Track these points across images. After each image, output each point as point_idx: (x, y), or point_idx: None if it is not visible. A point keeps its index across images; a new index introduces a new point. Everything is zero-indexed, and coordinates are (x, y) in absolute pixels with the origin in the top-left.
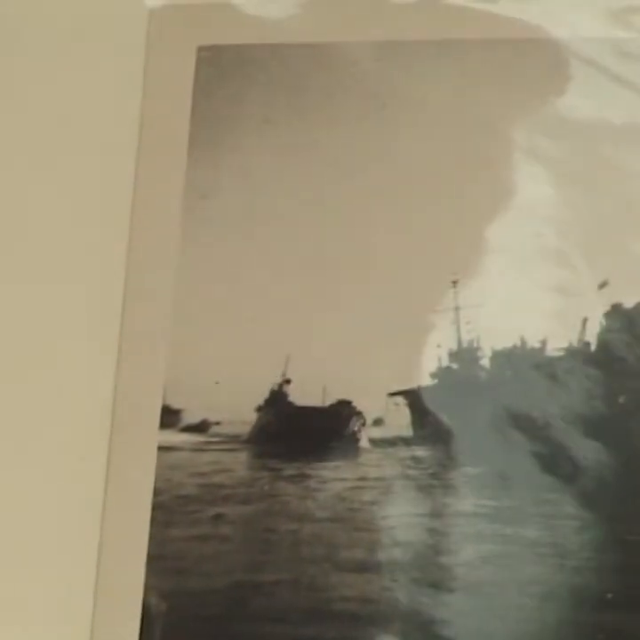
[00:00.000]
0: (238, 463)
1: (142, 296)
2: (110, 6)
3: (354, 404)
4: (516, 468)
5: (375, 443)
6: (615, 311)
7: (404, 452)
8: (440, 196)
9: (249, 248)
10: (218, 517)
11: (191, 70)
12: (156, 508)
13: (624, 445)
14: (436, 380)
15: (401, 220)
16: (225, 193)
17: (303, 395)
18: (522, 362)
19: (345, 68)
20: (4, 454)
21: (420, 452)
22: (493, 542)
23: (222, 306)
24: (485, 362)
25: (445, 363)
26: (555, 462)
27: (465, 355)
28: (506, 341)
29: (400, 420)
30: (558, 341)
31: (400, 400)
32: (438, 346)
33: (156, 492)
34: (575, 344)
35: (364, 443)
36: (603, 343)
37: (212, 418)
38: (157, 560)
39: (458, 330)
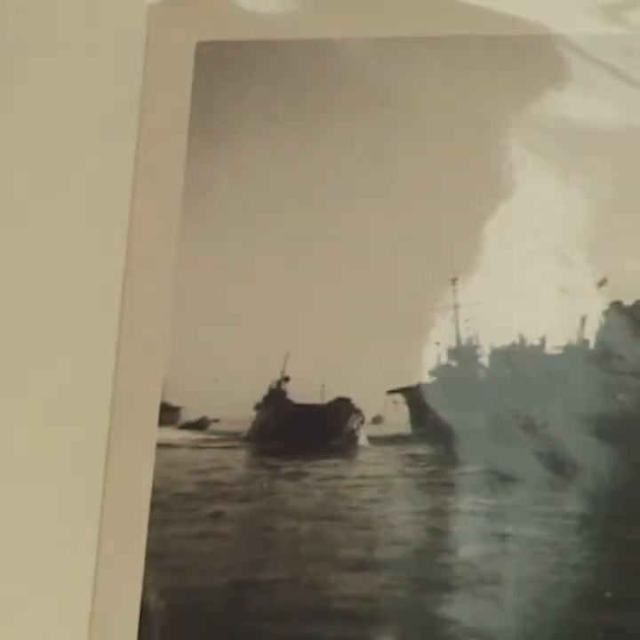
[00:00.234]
0: (237, 461)
1: (141, 293)
2: (109, 2)
3: (353, 401)
4: (516, 466)
5: (374, 440)
6: (614, 309)
7: (402, 449)
8: (439, 193)
9: (248, 245)
10: (216, 515)
11: (190, 66)
12: (155, 505)
13: (623, 443)
14: (434, 378)
15: (400, 218)
16: (224, 189)
17: (302, 392)
18: (521, 360)
19: (344, 64)
20: (1, 454)
21: (419, 449)
22: (492, 541)
23: (221, 303)
24: (484, 359)
25: (444, 360)
26: (554, 460)
27: (464, 352)
28: (505, 339)
29: (399, 418)
30: (557, 339)
31: (399, 398)
32: (437, 343)
33: (155, 490)
34: (574, 342)
35: (362, 440)
36: (602, 341)
37: (211, 415)
38: (156, 558)
39: (457, 327)
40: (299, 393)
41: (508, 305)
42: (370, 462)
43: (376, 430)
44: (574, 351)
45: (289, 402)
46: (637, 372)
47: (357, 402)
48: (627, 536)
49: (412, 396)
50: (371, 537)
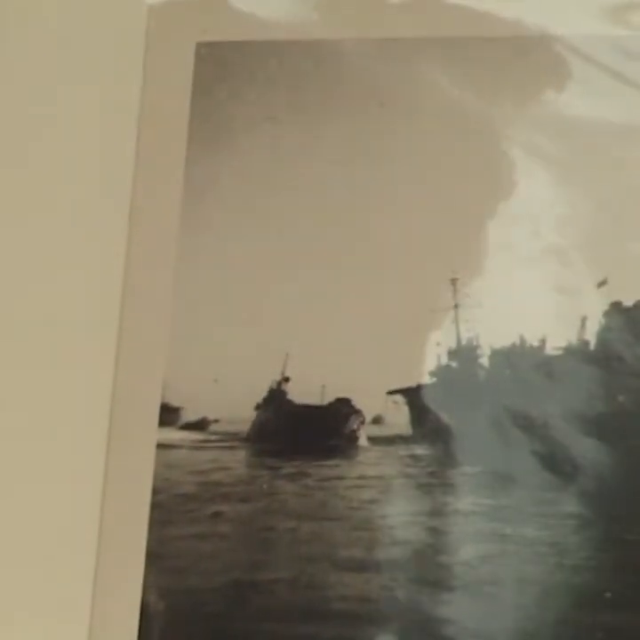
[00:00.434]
0: (237, 461)
1: (141, 294)
2: (109, 3)
3: (353, 402)
4: (515, 466)
5: (374, 441)
6: (614, 310)
7: (403, 450)
8: (439, 194)
9: (248, 246)
10: (216, 515)
11: (190, 67)
12: (155, 506)
13: (623, 444)
14: (435, 379)
15: (400, 218)
16: (224, 190)
17: (302, 393)
18: (521, 360)
19: (344, 65)
20: (1, 453)
21: (420, 450)
22: (492, 541)
23: (221, 304)
24: (484, 360)
25: (445, 361)
26: (554, 461)
27: (464, 353)
28: (505, 340)
29: (399, 419)
30: (557, 340)
31: (399, 398)
32: (437, 344)
33: (155, 491)
34: (574, 343)
35: (362, 441)
36: (602, 342)
37: (211, 416)
38: (156, 558)
39: (457, 328)
40: (299, 393)
41: (509, 306)
42: (370, 463)
43: (376, 431)
44: (574, 352)
45: (289, 402)
46: (637, 372)
47: (357, 402)
48: (626, 536)
49: (413, 396)
50: (370, 537)
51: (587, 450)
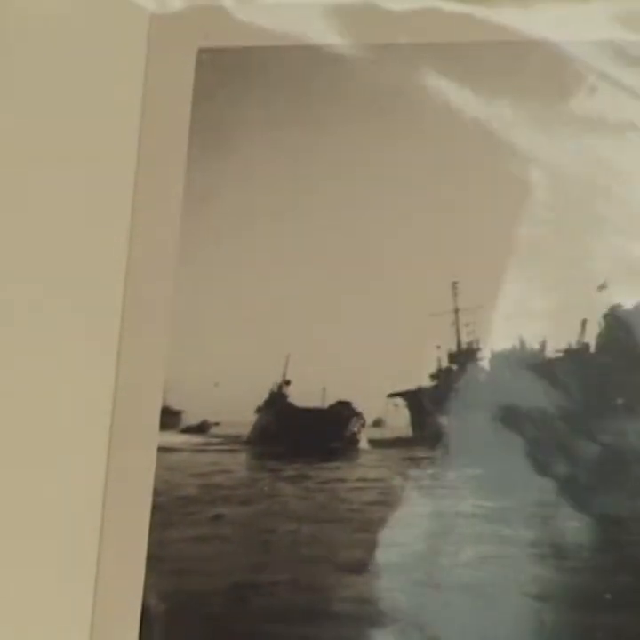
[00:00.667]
0: (238, 464)
1: (142, 297)
2: (111, 10)
3: (353, 404)
4: (515, 469)
5: (375, 443)
6: (614, 313)
7: (403, 452)
8: (440, 198)
9: (248, 250)
10: (217, 518)
11: (191, 73)
12: (156, 508)
13: (623, 447)
14: (435, 382)
15: (401, 222)
16: (225, 195)
17: (303, 396)
18: (521, 363)
19: (344, 70)
20: (3, 456)
21: (420, 452)
22: (492, 543)
23: (222, 307)
24: (485, 363)
25: (445, 364)
26: (553, 463)
27: (464, 356)
28: (505, 343)
29: (400, 421)
30: (557, 343)
31: (400, 401)
32: (438, 347)
33: (156, 493)
34: (574, 345)
35: (363, 443)
36: (602, 345)
37: (212, 419)
38: (157, 561)
39: (457, 331)
40: (299, 396)
41: (509, 309)
42: (370, 465)
43: (377, 433)
44: (574, 355)
45: (290, 405)
46: (637, 375)
47: (358, 405)
48: (626, 537)
49: (413, 399)
50: (371, 539)
51: (586, 452)
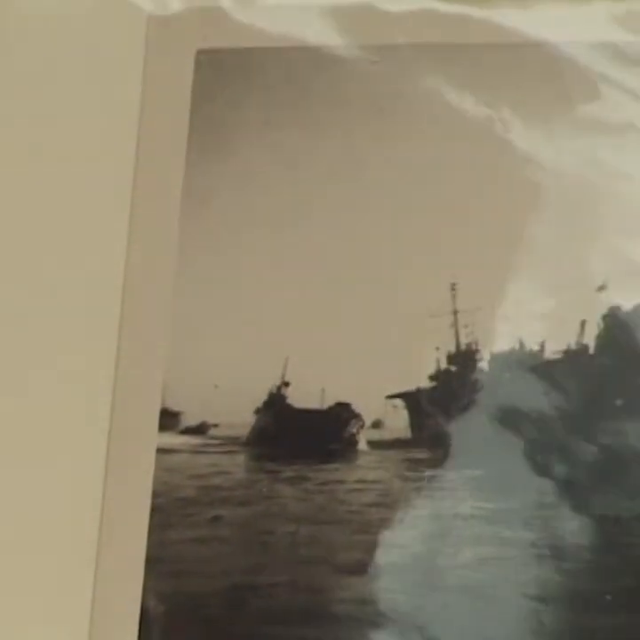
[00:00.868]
0: (237, 465)
1: (141, 299)
2: (109, 11)
3: (352, 406)
4: (515, 470)
5: (374, 445)
6: (613, 314)
7: (402, 454)
8: (439, 199)
9: (247, 251)
10: (216, 519)
11: (190, 74)
12: (155, 510)
13: (622, 447)
14: (434, 383)
15: (400, 223)
16: (223, 196)
17: (302, 397)
18: (520, 364)
19: (343, 71)
20: (2, 458)
21: (419, 454)
22: (491, 544)
23: (221, 309)
24: (484, 364)
25: (444, 365)
26: (553, 464)
27: (463, 357)
28: (504, 344)
29: (398, 423)
30: (557, 344)
31: (399, 402)
32: (437, 348)
33: (155, 494)
34: (573, 347)
35: (362, 445)
36: (601, 346)
37: (211, 420)
38: (156, 562)
39: (456, 332)
40: (298, 398)
41: (508, 310)
42: (369, 467)
43: (376, 435)
44: (573, 356)
45: (289, 406)
46: (636, 376)
47: (357, 406)
48: (626, 539)
49: (412, 400)
50: (370, 541)
51: (586, 453)
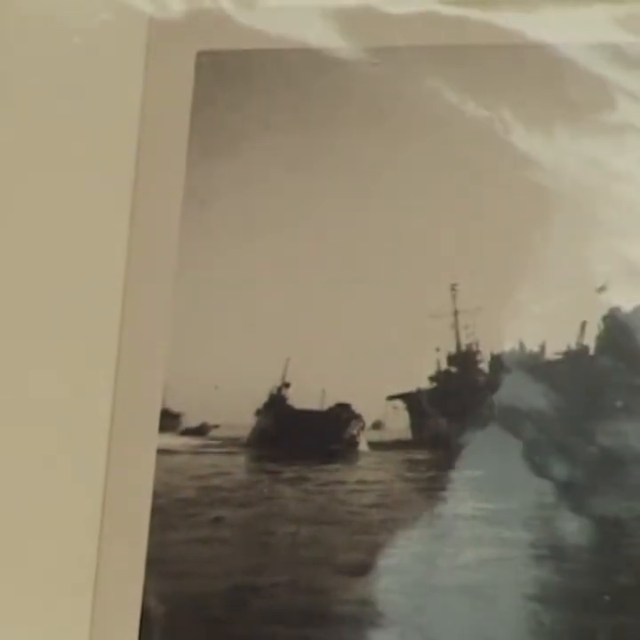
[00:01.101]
0: (237, 466)
1: (141, 300)
2: (110, 14)
3: (353, 407)
4: (515, 471)
5: (374, 446)
6: (613, 315)
7: (402, 455)
8: (439, 200)
9: (247, 253)
10: (217, 520)
11: (191, 76)
12: (156, 511)
13: (622, 448)
14: (434, 384)
15: (400, 224)
16: (224, 198)
17: (302, 398)
18: (520, 365)
19: (343, 72)
20: (3, 460)
21: (419, 455)
22: (492, 545)
23: (221, 310)
24: (484, 365)
25: (444, 366)
26: (553, 465)
27: (464, 358)
28: (504, 345)
29: (399, 424)
30: (557, 345)
31: (399, 403)
32: (437, 349)
33: (156, 495)
34: (574, 347)
35: (362, 446)
36: (601, 347)
37: (212, 421)
38: (156, 563)
39: (457, 333)
40: (299, 399)
41: (508, 311)
42: (370, 467)
43: (376, 436)
44: (574, 357)
45: (289, 408)
46: (636, 377)
47: (357, 407)
48: (625, 540)
49: (412, 401)
50: (370, 542)
51: (586, 454)
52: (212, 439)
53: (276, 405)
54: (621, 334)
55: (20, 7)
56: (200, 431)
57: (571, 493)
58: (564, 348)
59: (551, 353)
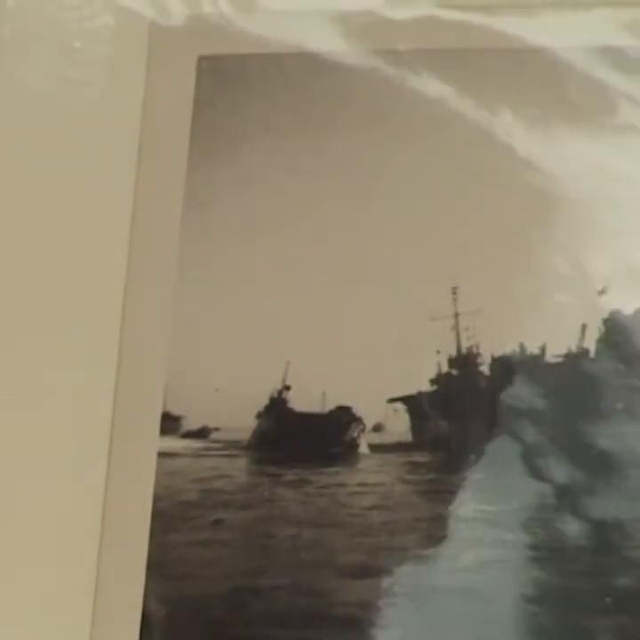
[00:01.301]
0: (238, 469)
1: (142, 303)
2: (111, 19)
3: (353, 409)
4: (515, 473)
5: (375, 448)
6: (614, 318)
7: (403, 457)
8: (440, 202)
9: (248, 255)
10: (218, 523)
11: (192, 80)
12: (156, 513)
13: (622, 451)
14: (435, 386)
15: (400, 227)
16: (224, 200)
17: (303, 401)
18: (521, 368)
19: (343, 76)
20: (3, 462)
21: (420, 457)
22: (492, 547)
23: (222, 313)
24: (485, 368)
25: (445, 369)
26: (553, 468)
27: (464, 361)
28: (505, 347)
29: (400, 426)
30: (557, 348)
31: (400, 406)
32: (438, 352)
33: (157, 498)
34: (574, 350)
35: (363, 448)
36: (602, 349)
37: (212, 424)
38: (157, 565)
39: (457, 336)
40: (300, 401)
41: (509, 313)
42: (370, 470)
43: (377, 438)
44: (574, 359)
45: (290, 410)
46: (636, 380)
47: (358, 410)
48: (625, 542)
49: (413, 404)
50: (371, 544)
51: (586, 456)
52: (213, 442)
53: (276, 408)
54: (622, 337)
55: (22, 11)
56: (201, 434)
57: (571, 495)
58: (564, 351)
59: (552, 355)
